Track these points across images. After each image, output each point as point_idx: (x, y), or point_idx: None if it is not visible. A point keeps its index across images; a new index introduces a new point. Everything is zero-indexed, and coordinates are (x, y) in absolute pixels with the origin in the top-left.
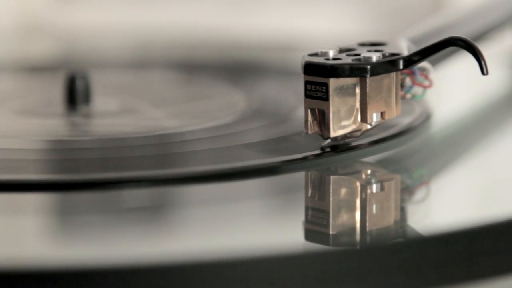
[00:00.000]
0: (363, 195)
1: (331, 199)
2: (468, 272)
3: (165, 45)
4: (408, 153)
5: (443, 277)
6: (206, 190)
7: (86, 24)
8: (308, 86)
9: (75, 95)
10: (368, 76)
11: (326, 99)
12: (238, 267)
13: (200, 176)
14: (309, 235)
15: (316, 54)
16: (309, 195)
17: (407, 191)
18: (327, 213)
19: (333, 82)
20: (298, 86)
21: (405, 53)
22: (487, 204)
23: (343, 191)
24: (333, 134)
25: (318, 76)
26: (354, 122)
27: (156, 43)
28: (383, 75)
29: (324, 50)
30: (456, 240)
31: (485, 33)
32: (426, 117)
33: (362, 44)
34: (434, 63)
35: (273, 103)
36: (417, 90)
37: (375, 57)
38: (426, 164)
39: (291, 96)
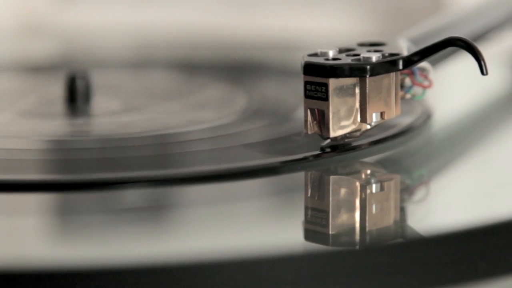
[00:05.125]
0: (363, 195)
1: (330, 199)
2: (468, 272)
3: (165, 45)
4: (408, 153)
5: (443, 277)
6: (206, 190)
7: (86, 24)
8: (308, 86)
9: (75, 95)
10: (367, 76)
11: (326, 99)
12: (238, 267)
13: (200, 176)
14: (309, 235)
15: (315, 54)
16: (309, 195)
17: (406, 191)
18: (327, 213)
19: (333, 82)
20: (298, 86)
21: (405, 53)
22: (487, 204)
23: (343, 191)
24: (332, 134)
25: (318, 76)
26: (354, 122)
27: (156, 43)
28: (382, 75)
29: (323, 50)
30: (456, 240)
31: (485, 33)
32: (426, 117)
33: (362, 44)
34: (434, 63)
35: (273, 103)
36: (416, 90)
37: (374, 57)
38: (426, 164)
39: (291, 96)
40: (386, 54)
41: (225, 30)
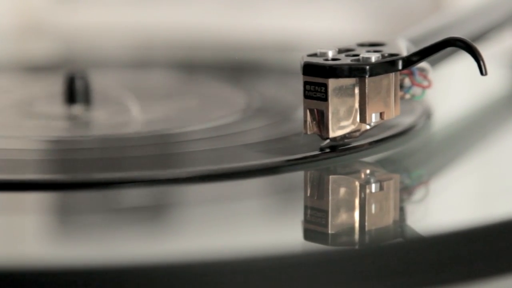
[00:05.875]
0: (362, 195)
1: (330, 198)
2: (468, 272)
3: (165, 45)
4: (407, 153)
5: (442, 277)
6: (206, 190)
7: (86, 24)
8: (307, 87)
9: (75, 95)
10: (367, 76)
11: (325, 99)
12: (238, 267)
13: (200, 176)
14: (308, 234)
15: (315, 55)
16: (308, 194)
17: (406, 191)
18: (326, 212)
19: (332, 83)
20: (298, 86)
21: (404, 53)
22: (486, 204)
23: (342, 190)
24: (332, 134)
25: (317, 76)
26: (353, 122)
27: (156, 43)
28: (382, 76)
29: (323, 51)
30: (455, 240)
31: (485, 33)
32: (426, 118)
33: (361, 45)
34: (433, 64)
35: (273, 103)
36: (416, 90)
37: (374, 57)
38: (426, 164)
39: (291, 96)
40: (386, 55)
41: (225, 30)
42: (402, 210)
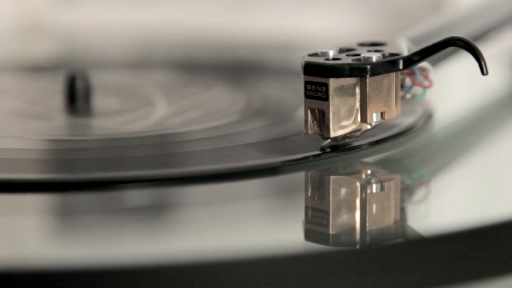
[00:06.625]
0: (363, 195)
1: (331, 199)
2: (468, 272)
3: (165, 45)
4: (408, 153)
5: (443, 277)
6: (206, 190)
7: (86, 24)
8: (308, 86)
9: (75, 95)
10: (368, 76)
11: (326, 99)
12: (238, 267)
13: (200, 176)
14: (309, 235)
15: (316, 54)
16: (309, 195)
17: (407, 191)
18: (327, 213)
19: (333, 82)
20: (298, 86)
21: (405, 53)
22: (487, 204)
23: (343, 191)
24: (333, 134)
25: (318, 76)
26: (354, 122)
27: (157, 43)
28: (383, 75)
29: (324, 50)
30: (456, 240)
31: (485, 33)
32: (427, 117)
33: (362, 44)
34: (434, 63)
35: (273, 103)
36: (417, 90)
37: (375, 57)
38: (426, 164)
39: (291, 96)
40: (387, 54)
41: (225, 30)
42: (403, 210)
